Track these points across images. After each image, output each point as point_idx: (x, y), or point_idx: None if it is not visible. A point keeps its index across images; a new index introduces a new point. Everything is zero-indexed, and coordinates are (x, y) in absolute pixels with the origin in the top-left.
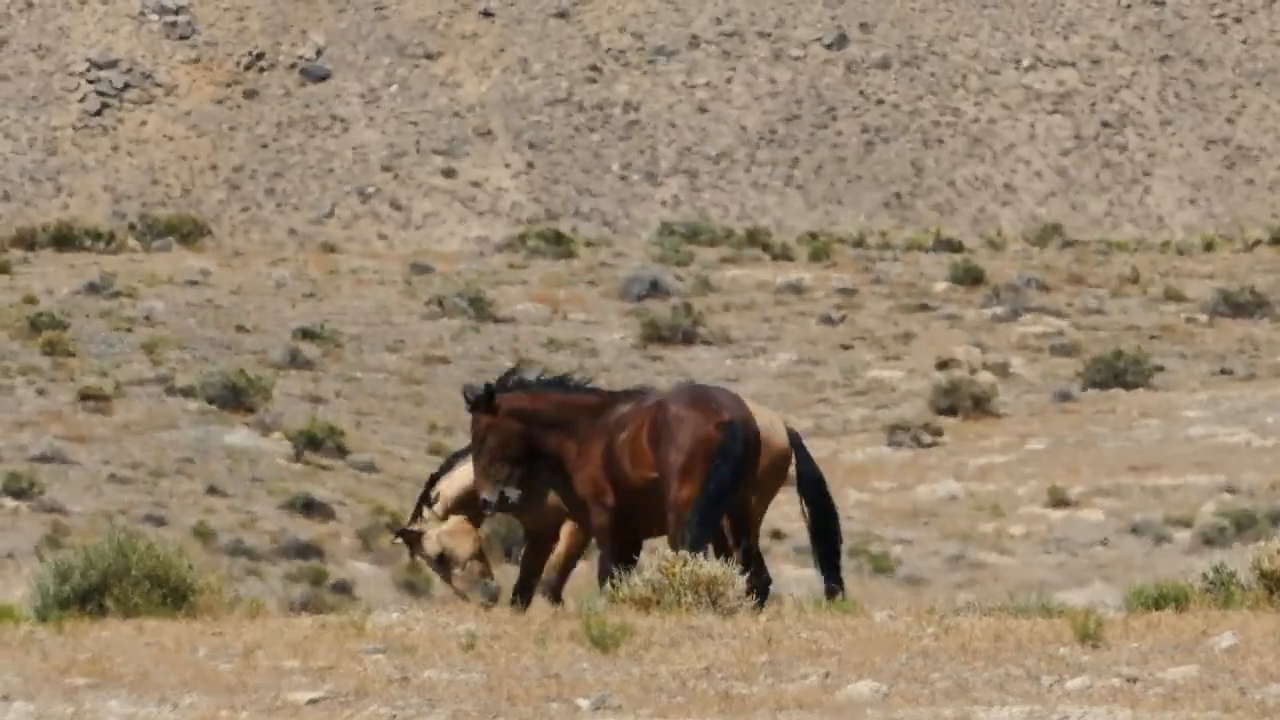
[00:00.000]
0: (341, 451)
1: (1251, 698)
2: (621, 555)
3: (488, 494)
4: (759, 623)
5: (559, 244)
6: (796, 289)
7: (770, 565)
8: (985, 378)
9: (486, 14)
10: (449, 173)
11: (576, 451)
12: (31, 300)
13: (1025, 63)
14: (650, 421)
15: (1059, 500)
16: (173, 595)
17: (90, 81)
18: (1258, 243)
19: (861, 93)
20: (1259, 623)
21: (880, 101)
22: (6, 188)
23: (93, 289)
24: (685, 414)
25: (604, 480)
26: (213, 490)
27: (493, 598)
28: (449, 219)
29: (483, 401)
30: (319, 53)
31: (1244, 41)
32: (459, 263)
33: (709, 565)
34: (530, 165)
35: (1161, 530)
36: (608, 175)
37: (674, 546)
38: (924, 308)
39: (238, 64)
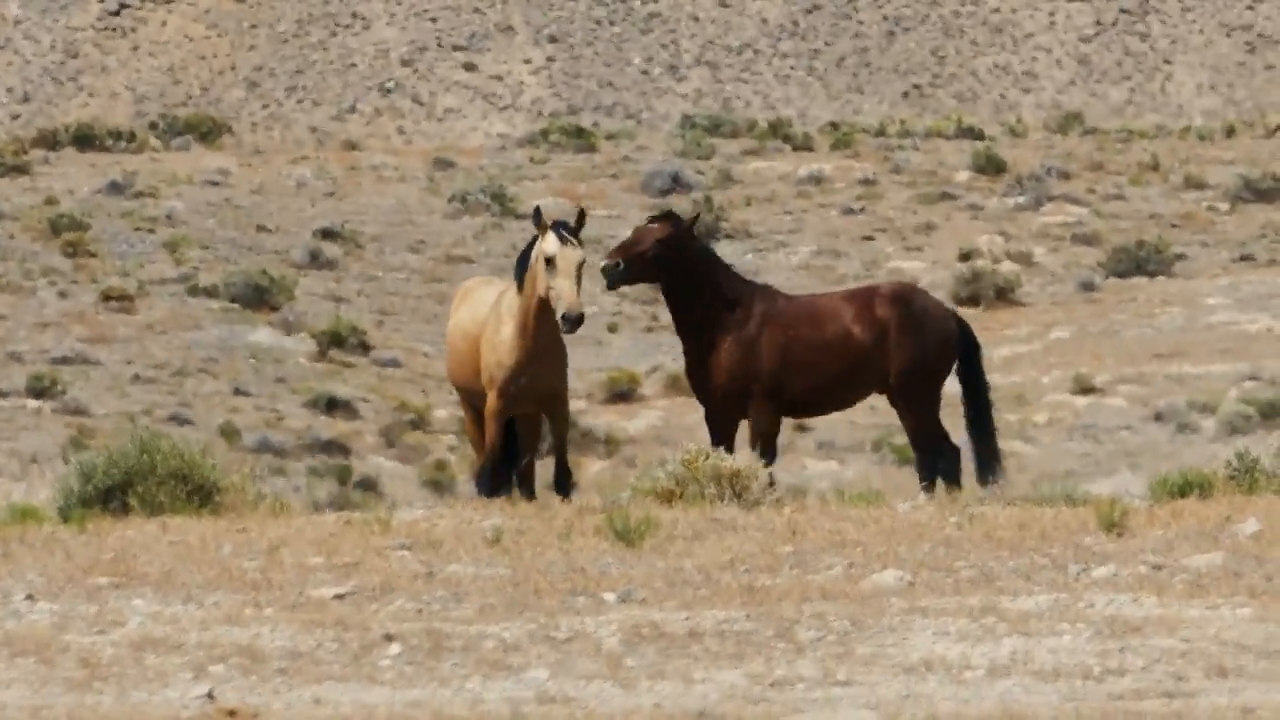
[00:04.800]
0: (365, 349)
1: (1276, 583)
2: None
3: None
4: (783, 514)
5: (580, 138)
6: (817, 180)
7: (794, 459)
8: (1008, 267)
9: None
10: (470, 67)
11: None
12: (52, 201)
13: None
14: (882, 313)
15: (1083, 388)
16: (197, 493)
17: None
18: (1278, 128)
19: None
20: None
21: None
22: (28, 88)
23: (114, 189)
24: (936, 309)
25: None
26: (237, 390)
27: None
28: (471, 114)
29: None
30: None
31: None
32: (480, 158)
33: (730, 459)
34: (551, 59)
35: (1185, 418)
36: (629, 69)
37: (928, 438)
38: (946, 197)
39: None
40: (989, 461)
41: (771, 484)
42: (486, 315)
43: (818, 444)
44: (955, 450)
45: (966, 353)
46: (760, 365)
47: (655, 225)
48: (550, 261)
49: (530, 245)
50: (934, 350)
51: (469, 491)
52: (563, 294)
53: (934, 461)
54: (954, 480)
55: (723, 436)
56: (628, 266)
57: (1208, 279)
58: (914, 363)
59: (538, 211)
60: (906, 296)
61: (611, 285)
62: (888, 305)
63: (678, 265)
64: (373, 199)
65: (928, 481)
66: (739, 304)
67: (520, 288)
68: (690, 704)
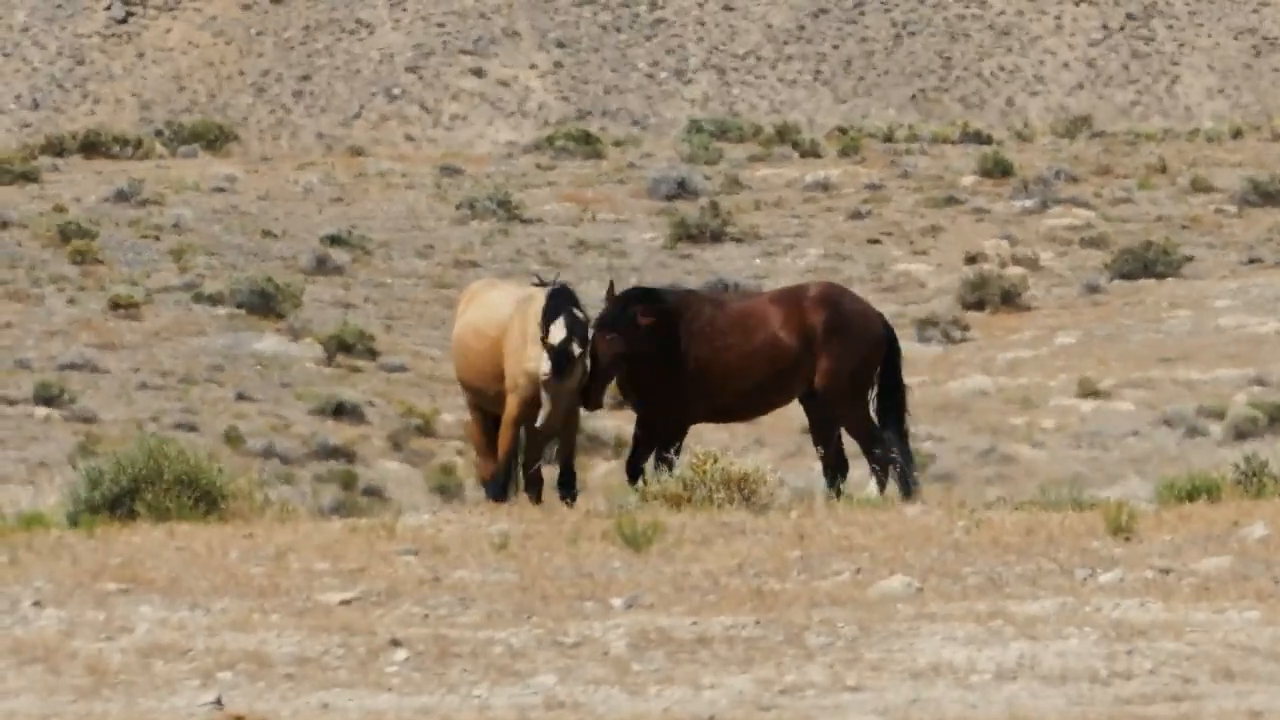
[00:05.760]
0: (372, 354)
1: None
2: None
3: None
4: (790, 519)
5: (587, 144)
6: (824, 185)
7: (800, 463)
8: (1014, 271)
9: None
10: (477, 73)
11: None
12: (60, 209)
13: None
14: (812, 316)
15: (1090, 392)
16: (204, 500)
17: None
18: None
19: None
20: None
21: None
22: (35, 96)
23: (121, 197)
24: (865, 310)
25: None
26: (243, 396)
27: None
28: (477, 120)
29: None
30: None
31: None
32: (487, 165)
33: (740, 462)
34: (558, 65)
35: (1193, 422)
36: (635, 74)
37: (870, 438)
38: (952, 201)
39: None
40: (905, 468)
41: (670, 468)
42: (508, 318)
43: None
44: (846, 464)
45: (888, 355)
46: (682, 378)
47: (605, 338)
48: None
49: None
50: (864, 351)
51: (476, 496)
52: (544, 413)
53: (885, 465)
54: (835, 487)
55: (671, 440)
56: (601, 385)
57: (1215, 282)
58: (843, 364)
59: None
60: (834, 299)
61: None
62: (816, 308)
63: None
64: (380, 205)
65: (890, 480)
66: (667, 319)
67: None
68: (699, 709)
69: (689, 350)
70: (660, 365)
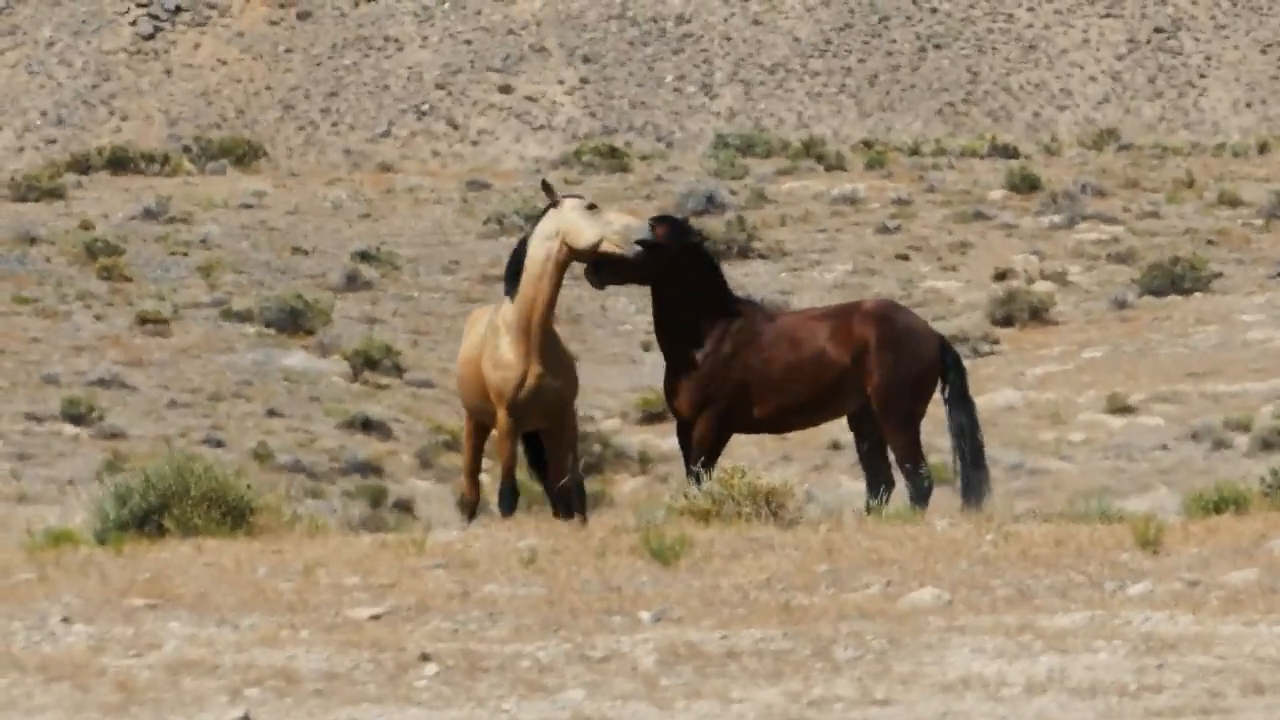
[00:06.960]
0: (398, 370)
1: None
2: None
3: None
4: (819, 533)
5: (614, 159)
6: (851, 200)
7: (829, 477)
8: (1043, 287)
9: None
10: (504, 89)
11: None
12: (87, 226)
13: None
14: (861, 330)
15: (1118, 407)
16: (232, 515)
17: (142, 4)
18: None
19: (914, 0)
20: None
21: (934, 10)
22: (61, 112)
23: (149, 214)
24: (918, 329)
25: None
26: (271, 412)
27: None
28: (504, 136)
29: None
30: None
31: None
32: (515, 180)
33: (768, 476)
34: (585, 81)
35: (1221, 435)
36: (662, 89)
37: (908, 459)
38: (980, 216)
39: None
40: (976, 486)
41: (698, 481)
42: (485, 335)
43: (852, 462)
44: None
45: (951, 376)
46: (724, 388)
47: (657, 228)
48: (593, 206)
49: (516, 253)
50: (912, 369)
51: (495, 513)
52: (618, 219)
53: (920, 484)
54: (876, 500)
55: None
56: (608, 265)
57: (1243, 296)
58: (892, 381)
59: (546, 185)
60: (888, 315)
61: (597, 282)
62: (867, 323)
63: (666, 273)
64: (408, 221)
65: (920, 506)
66: (722, 321)
67: (513, 296)
68: None
69: (736, 358)
70: (701, 366)
